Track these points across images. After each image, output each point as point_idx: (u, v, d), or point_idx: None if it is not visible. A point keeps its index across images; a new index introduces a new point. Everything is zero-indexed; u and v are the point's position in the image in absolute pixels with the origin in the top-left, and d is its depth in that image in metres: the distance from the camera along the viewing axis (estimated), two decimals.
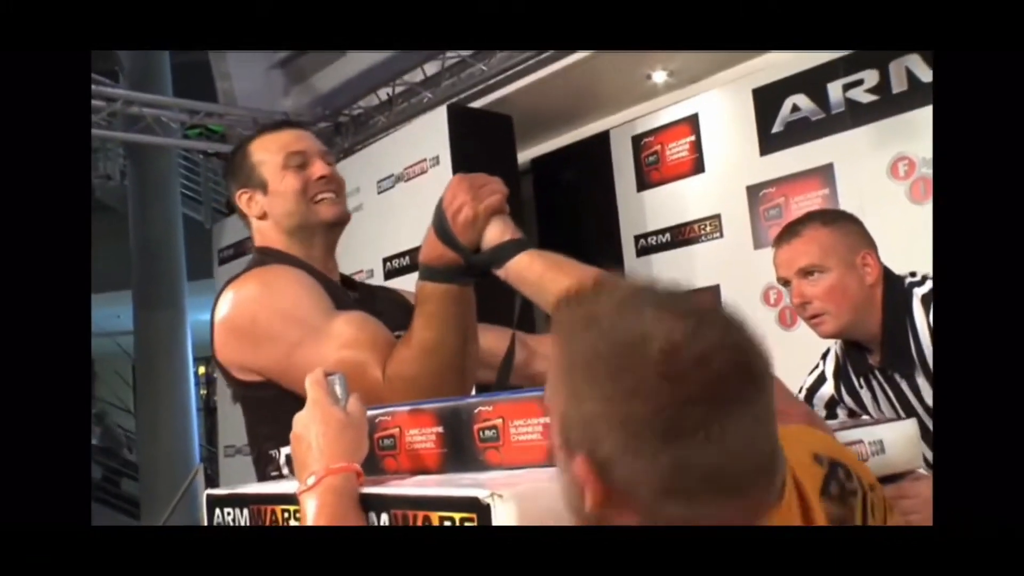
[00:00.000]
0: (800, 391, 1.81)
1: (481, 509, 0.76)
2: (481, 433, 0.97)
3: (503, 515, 0.76)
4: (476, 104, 4.37)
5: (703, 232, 3.85)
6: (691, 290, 0.69)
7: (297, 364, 1.20)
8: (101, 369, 12.66)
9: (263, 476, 1.35)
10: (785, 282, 1.65)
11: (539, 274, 1.14)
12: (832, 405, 1.75)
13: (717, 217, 3.80)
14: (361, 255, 4.04)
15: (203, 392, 11.33)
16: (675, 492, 0.62)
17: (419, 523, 0.82)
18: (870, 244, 1.62)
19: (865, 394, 1.69)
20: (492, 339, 1.36)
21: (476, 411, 0.98)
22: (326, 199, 1.40)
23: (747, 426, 0.62)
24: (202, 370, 11.32)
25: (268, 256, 1.40)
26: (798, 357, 1.73)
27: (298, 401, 1.13)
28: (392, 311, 1.40)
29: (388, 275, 4.09)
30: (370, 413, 1.04)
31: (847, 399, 1.72)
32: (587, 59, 3.95)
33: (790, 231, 1.63)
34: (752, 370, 0.63)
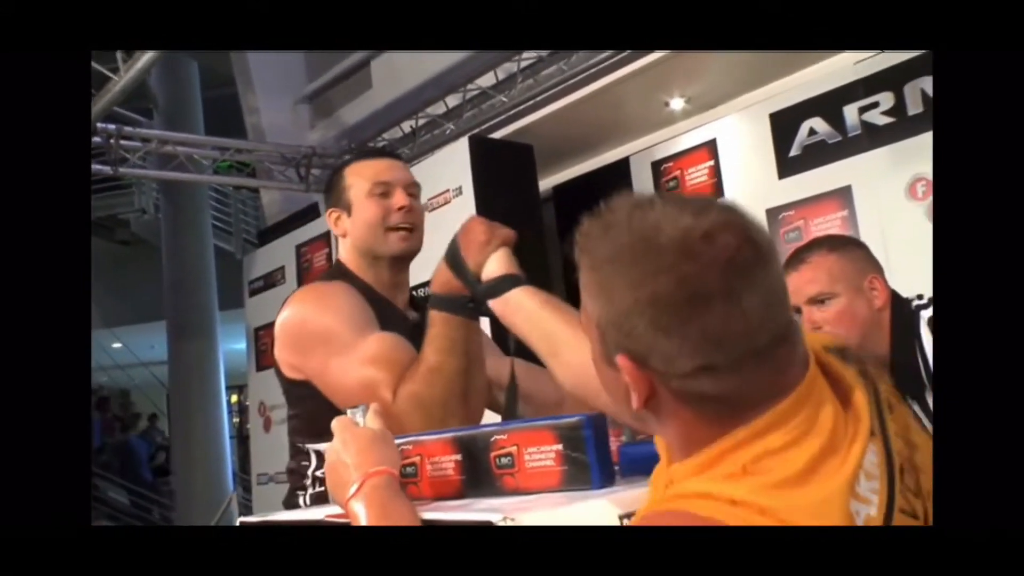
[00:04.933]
0: None
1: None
2: (497, 460, 1.02)
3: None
4: (497, 134, 4.45)
5: None
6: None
7: (330, 372, 1.34)
8: (137, 398, 12.86)
9: (295, 468, 1.44)
10: (796, 309, 1.69)
11: (530, 311, 1.16)
12: None
13: None
14: None
15: (236, 420, 11.46)
16: (706, 366, 0.69)
17: None
18: (876, 268, 1.65)
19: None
20: (497, 365, 1.43)
21: (492, 439, 1.03)
22: (401, 231, 1.50)
23: (760, 294, 0.69)
24: (235, 398, 11.45)
25: (337, 272, 1.54)
26: None
27: (329, 404, 1.30)
28: None
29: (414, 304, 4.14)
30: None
31: None
32: (606, 88, 4.02)
33: (797, 258, 1.66)
34: (756, 244, 0.70)
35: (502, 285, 1.20)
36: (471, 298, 1.26)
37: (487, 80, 4.30)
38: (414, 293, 1.61)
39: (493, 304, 1.21)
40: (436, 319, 1.30)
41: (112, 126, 4.33)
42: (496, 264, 1.22)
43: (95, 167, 4.39)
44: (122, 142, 4.43)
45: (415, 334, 1.39)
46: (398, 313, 1.50)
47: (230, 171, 6.13)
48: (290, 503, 1.43)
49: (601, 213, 0.75)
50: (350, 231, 1.53)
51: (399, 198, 1.50)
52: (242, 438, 9.74)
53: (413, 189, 1.54)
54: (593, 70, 3.98)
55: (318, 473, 1.40)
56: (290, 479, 1.46)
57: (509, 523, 0.81)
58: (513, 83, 4.16)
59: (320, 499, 1.37)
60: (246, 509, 6.46)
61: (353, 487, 0.92)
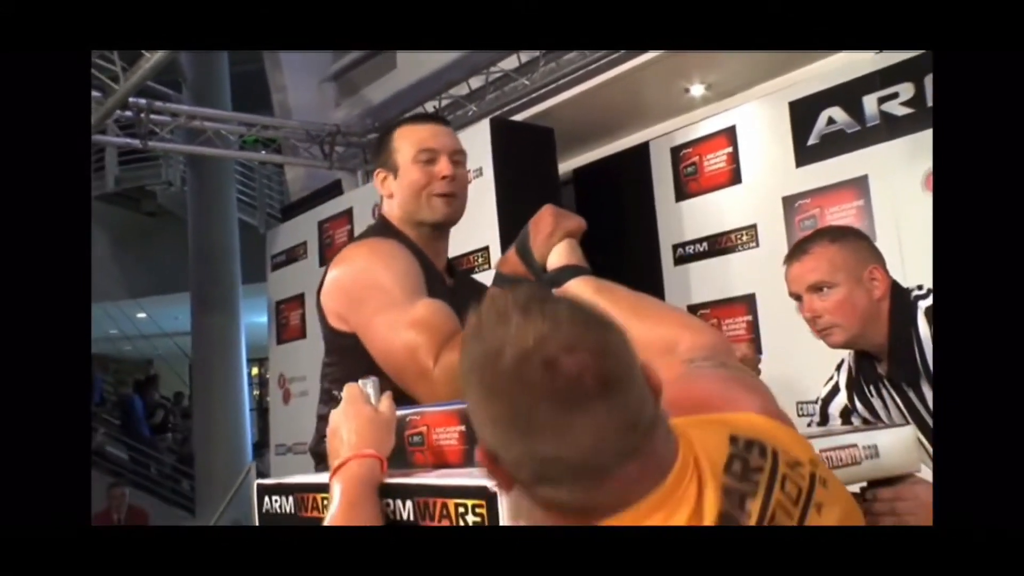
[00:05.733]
0: (816, 401, 1.89)
1: (489, 497, 0.87)
2: None
3: (506, 503, 0.87)
4: (519, 117, 4.48)
5: (739, 242, 3.90)
6: (562, 297, 0.78)
7: (375, 327, 1.39)
8: (161, 368, 13.07)
9: (326, 414, 1.49)
10: (797, 297, 1.74)
11: (586, 299, 1.23)
12: (846, 414, 1.82)
13: (753, 227, 3.84)
14: None
15: (256, 393, 11.62)
16: (543, 479, 0.73)
17: (437, 509, 0.93)
18: (878, 259, 1.69)
19: (876, 403, 1.76)
20: None
21: None
22: (443, 198, 1.55)
23: (597, 423, 0.70)
24: (255, 371, 11.61)
25: (386, 229, 1.58)
26: (832, 360, 1.85)
27: (368, 359, 1.35)
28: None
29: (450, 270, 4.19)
30: (401, 412, 1.16)
31: (860, 408, 1.80)
32: (627, 73, 4.04)
33: (800, 248, 1.71)
34: (603, 372, 0.70)
35: (562, 275, 1.24)
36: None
37: (510, 63, 4.33)
38: (451, 261, 1.66)
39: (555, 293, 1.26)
40: None
41: (143, 100, 4.42)
42: (559, 255, 1.27)
43: (125, 139, 4.48)
44: (151, 116, 4.51)
45: (453, 300, 1.44)
46: (439, 276, 1.56)
47: (256, 146, 6.21)
48: (317, 449, 1.49)
49: (479, 313, 0.75)
50: (396, 193, 1.58)
51: (443, 166, 1.55)
52: (262, 410, 9.89)
53: (458, 156, 1.59)
54: (614, 55, 4.00)
55: None
56: (319, 425, 1.51)
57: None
58: (535, 66, 4.19)
59: None
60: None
61: (339, 461, 1.00)
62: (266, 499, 1.21)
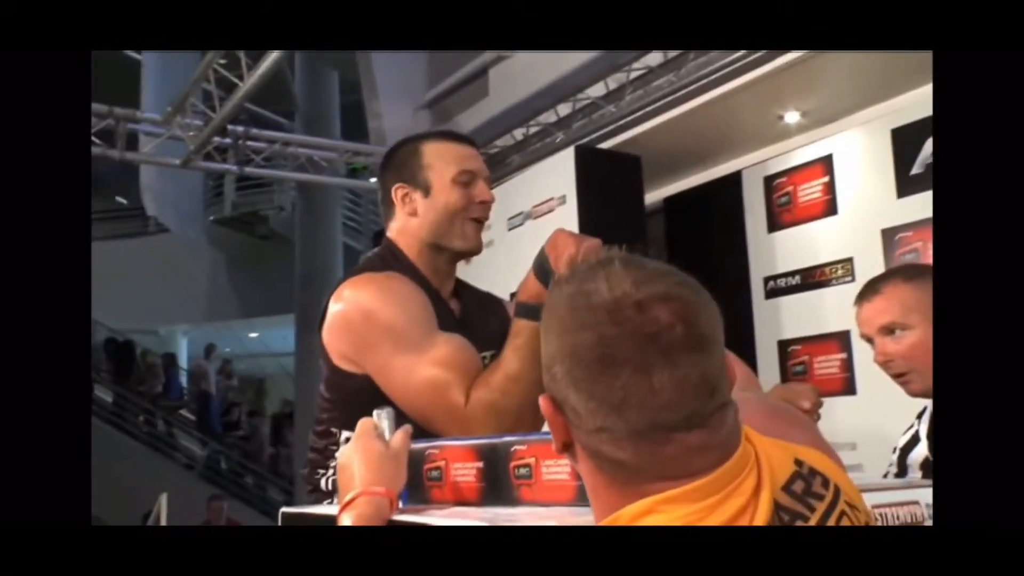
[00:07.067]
0: (893, 451, 1.75)
1: None
2: (516, 470, 1.04)
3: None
4: (607, 144, 4.44)
5: (834, 275, 3.73)
6: (667, 263, 0.76)
7: (394, 369, 1.33)
8: (269, 387, 13.55)
9: (322, 447, 1.46)
10: (869, 340, 1.62)
11: None
12: (927, 467, 1.68)
13: (849, 260, 3.67)
14: (490, 290, 4.16)
15: None
16: (606, 430, 0.70)
17: None
18: None
19: None
20: None
21: (512, 449, 1.05)
22: (477, 224, 1.48)
23: (677, 375, 0.68)
24: None
25: (392, 258, 1.49)
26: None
27: (381, 396, 1.29)
28: (489, 322, 1.50)
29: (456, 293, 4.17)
30: (419, 446, 1.13)
31: None
32: (717, 99, 3.95)
33: (871, 288, 1.60)
34: (691, 324, 0.70)
35: None
36: None
37: (597, 90, 4.30)
38: (459, 281, 1.59)
39: None
40: (523, 329, 1.31)
41: (240, 128, 4.60)
42: None
43: (221, 165, 4.67)
44: (248, 143, 4.69)
45: (463, 332, 1.40)
46: (447, 308, 1.50)
47: (364, 173, 6.38)
48: (311, 479, 1.47)
49: (575, 266, 0.76)
50: (423, 213, 1.47)
51: (483, 191, 1.48)
52: None
53: (490, 183, 1.52)
54: (704, 81, 3.92)
55: None
56: (314, 456, 1.48)
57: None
58: (623, 93, 4.14)
59: None
60: None
61: (349, 496, 0.98)
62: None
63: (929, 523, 1.08)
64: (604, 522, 0.73)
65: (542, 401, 0.75)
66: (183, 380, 11.45)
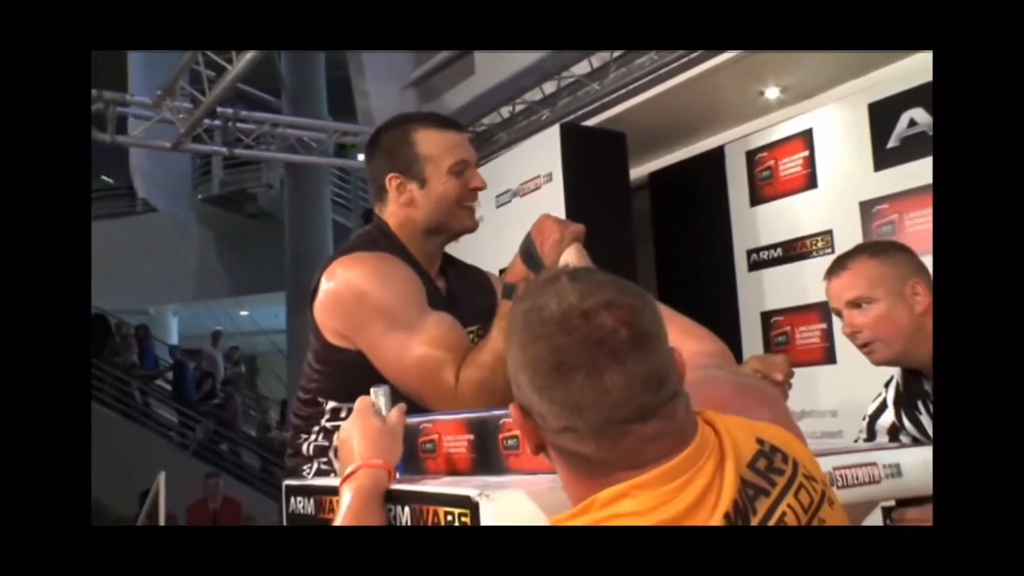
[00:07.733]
0: (863, 418, 1.84)
1: (472, 505, 0.90)
2: (505, 442, 1.10)
3: (489, 511, 0.89)
4: (592, 121, 4.48)
5: (815, 247, 3.80)
6: (607, 273, 0.85)
7: (386, 347, 1.40)
8: (261, 365, 13.57)
9: (308, 415, 1.53)
10: (838, 313, 1.70)
11: None
12: (894, 431, 1.77)
13: (829, 233, 3.73)
14: (479, 266, 4.21)
15: None
16: (570, 428, 0.78)
17: (429, 515, 0.96)
18: (920, 273, 1.64)
19: (924, 420, 1.70)
20: None
21: (501, 422, 1.11)
22: (470, 208, 1.55)
23: (627, 374, 0.77)
24: None
25: (383, 239, 1.53)
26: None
27: (369, 370, 1.36)
28: (476, 298, 1.57)
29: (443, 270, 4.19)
30: (413, 420, 1.20)
31: (908, 426, 1.74)
32: (700, 76, 4.00)
33: (839, 264, 1.68)
34: (634, 326, 0.78)
35: None
36: None
37: (581, 68, 4.34)
38: (446, 255, 1.65)
39: None
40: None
41: (229, 110, 4.63)
42: (568, 259, 1.30)
43: (212, 147, 4.72)
44: (238, 124, 4.72)
45: (450, 310, 1.47)
46: (435, 287, 1.56)
47: (353, 151, 6.37)
48: (293, 444, 1.55)
49: (530, 281, 0.85)
50: (420, 203, 1.52)
51: (475, 178, 1.54)
52: None
53: (476, 166, 1.58)
54: (686, 59, 3.97)
55: (327, 424, 1.51)
56: (299, 422, 1.55)
57: (484, 498, 0.90)
58: (606, 71, 4.19)
59: (321, 450, 1.51)
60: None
61: (350, 469, 1.05)
62: (292, 499, 1.27)
63: (886, 482, 1.18)
64: (579, 505, 0.81)
65: (512, 409, 0.83)
66: (156, 351, 11.42)
